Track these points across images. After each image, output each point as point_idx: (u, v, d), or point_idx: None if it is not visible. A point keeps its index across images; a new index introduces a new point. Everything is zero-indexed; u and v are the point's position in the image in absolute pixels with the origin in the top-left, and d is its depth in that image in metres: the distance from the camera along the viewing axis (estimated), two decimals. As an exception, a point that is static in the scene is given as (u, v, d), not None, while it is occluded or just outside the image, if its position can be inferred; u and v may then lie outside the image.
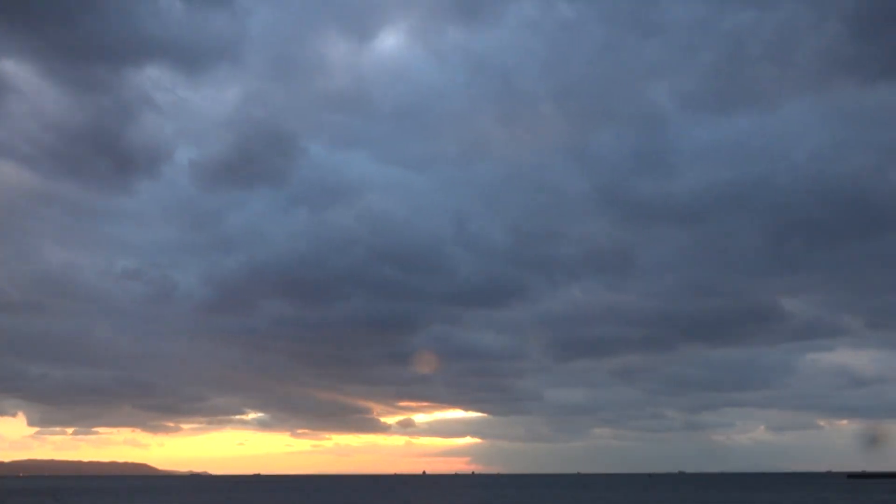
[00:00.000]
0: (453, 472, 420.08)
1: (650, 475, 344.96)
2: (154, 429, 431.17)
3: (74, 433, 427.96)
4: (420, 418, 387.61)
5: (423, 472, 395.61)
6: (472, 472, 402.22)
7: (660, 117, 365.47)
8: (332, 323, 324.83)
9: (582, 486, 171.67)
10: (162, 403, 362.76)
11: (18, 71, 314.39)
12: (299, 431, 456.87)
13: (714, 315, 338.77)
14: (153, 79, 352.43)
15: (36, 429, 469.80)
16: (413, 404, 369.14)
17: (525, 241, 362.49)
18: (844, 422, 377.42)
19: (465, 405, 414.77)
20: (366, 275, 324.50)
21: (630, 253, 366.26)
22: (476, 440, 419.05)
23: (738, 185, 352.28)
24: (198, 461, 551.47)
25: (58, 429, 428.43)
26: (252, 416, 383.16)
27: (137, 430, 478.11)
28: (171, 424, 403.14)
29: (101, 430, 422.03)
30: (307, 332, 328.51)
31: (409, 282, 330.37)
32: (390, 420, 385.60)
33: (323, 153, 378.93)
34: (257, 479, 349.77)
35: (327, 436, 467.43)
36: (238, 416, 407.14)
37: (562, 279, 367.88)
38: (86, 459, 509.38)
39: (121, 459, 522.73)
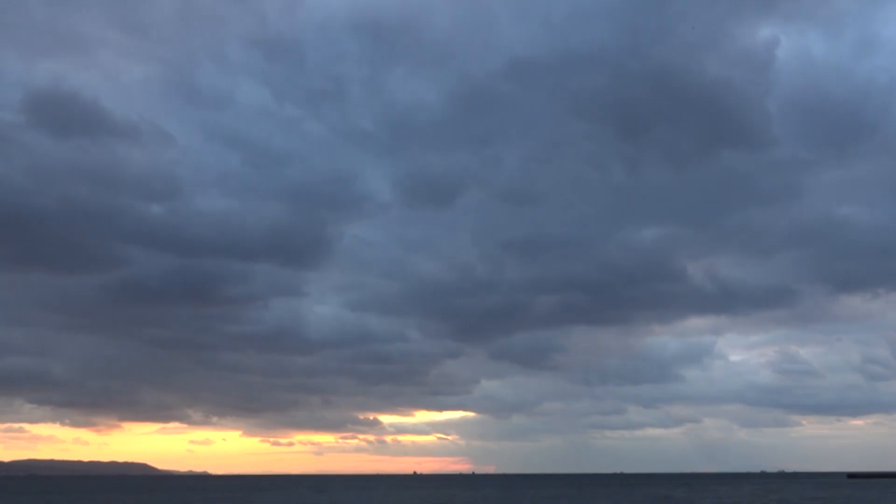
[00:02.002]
0: (453, 473, 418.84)
1: (649, 475, 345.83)
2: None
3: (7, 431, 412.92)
4: (365, 414, 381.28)
5: (414, 473, 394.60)
6: (473, 472, 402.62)
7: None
8: (126, 291, 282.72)
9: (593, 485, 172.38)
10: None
11: None
12: (246, 430, 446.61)
13: (601, 279, 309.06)
14: None
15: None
16: (328, 398, 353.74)
17: (299, 177, 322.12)
18: (806, 422, 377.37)
19: (397, 400, 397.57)
20: (98, 213, 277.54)
21: (449, 191, 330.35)
22: (444, 437, 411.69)
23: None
24: (161, 459, 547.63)
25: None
26: (191, 413, 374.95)
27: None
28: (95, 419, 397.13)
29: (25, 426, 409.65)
30: (95, 307, 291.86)
31: (171, 227, 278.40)
32: (331, 415, 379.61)
33: None
34: (256, 478, 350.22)
35: (292, 434, 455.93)
36: (177, 414, 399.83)
37: (383, 231, 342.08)
38: (86, 459, 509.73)
39: (121, 459, 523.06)
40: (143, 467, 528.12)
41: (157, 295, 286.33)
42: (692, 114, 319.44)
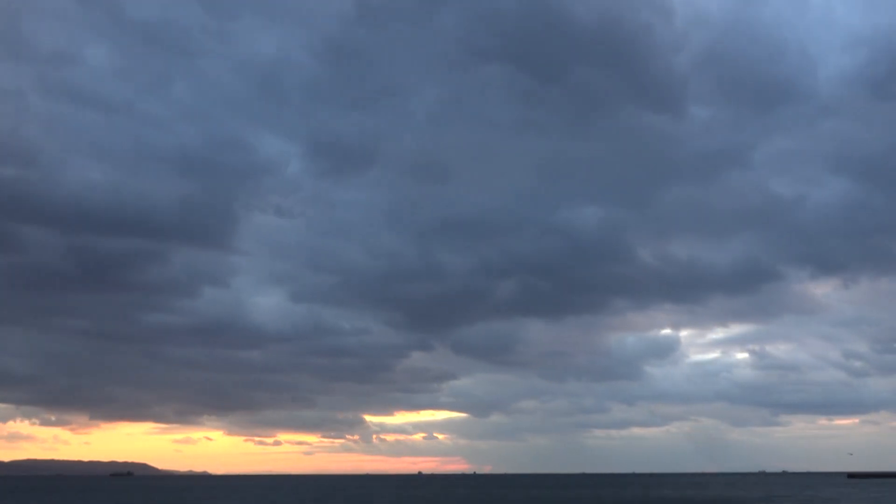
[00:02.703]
0: (455, 473, 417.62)
1: (651, 475, 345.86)
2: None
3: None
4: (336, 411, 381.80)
5: (419, 473, 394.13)
6: (475, 473, 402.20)
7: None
8: (22, 275, 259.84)
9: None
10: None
11: None
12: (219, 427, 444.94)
13: (550, 265, 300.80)
14: None
15: None
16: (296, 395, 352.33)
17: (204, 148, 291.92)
18: (793, 420, 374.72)
19: (370, 398, 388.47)
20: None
21: (360, 159, 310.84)
22: (430, 437, 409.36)
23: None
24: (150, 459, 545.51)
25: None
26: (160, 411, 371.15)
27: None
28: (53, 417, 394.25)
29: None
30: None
31: (48, 199, 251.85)
32: (309, 414, 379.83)
33: None
34: (267, 479, 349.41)
35: (274, 433, 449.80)
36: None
37: (299, 208, 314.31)
38: (86, 459, 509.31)
39: (121, 459, 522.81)
40: (144, 467, 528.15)
41: (58, 279, 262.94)
42: (581, 60, 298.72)
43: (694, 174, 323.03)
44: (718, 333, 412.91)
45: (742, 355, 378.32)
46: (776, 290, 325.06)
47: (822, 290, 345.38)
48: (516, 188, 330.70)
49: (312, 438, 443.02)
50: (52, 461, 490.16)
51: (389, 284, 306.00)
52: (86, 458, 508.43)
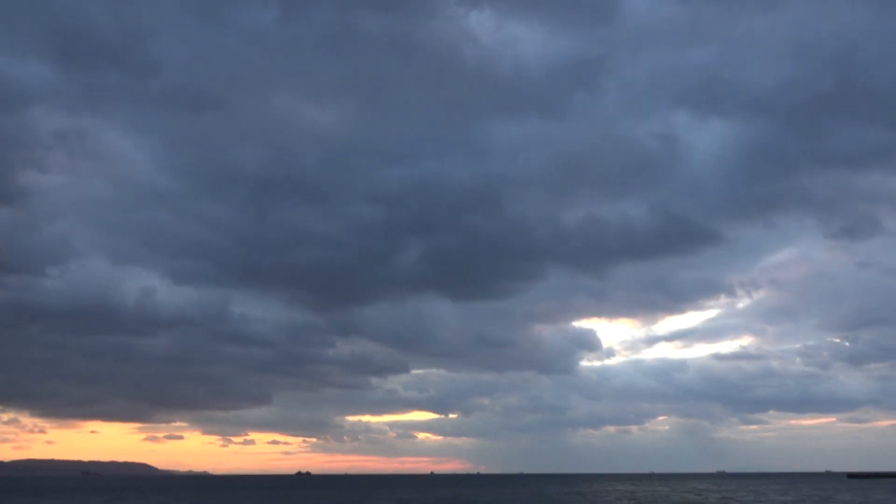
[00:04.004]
0: (464, 473, 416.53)
1: (650, 474, 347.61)
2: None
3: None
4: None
5: (431, 473, 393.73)
6: (478, 473, 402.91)
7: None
8: None
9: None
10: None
11: None
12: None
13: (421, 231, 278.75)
14: None
15: None
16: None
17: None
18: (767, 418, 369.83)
19: (324, 393, 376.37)
20: None
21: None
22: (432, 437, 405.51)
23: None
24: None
25: None
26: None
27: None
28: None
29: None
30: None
31: None
32: (269, 413, 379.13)
33: None
34: (258, 478, 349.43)
35: (241, 432, 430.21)
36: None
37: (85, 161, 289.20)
38: (86, 459, 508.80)
39: (120, 459, 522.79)
40: (144, 467, 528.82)
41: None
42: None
43: (534, 107, 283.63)
44: (666, 326, 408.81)
45: (697, 350, 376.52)
46: (711, 265, 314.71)
47: (761, 269, 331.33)
48: (331, 136, 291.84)
49: (285, 437, 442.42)
50: (53, 461, 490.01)
51: (254, 260, 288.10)
52: (85, 458, 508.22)
